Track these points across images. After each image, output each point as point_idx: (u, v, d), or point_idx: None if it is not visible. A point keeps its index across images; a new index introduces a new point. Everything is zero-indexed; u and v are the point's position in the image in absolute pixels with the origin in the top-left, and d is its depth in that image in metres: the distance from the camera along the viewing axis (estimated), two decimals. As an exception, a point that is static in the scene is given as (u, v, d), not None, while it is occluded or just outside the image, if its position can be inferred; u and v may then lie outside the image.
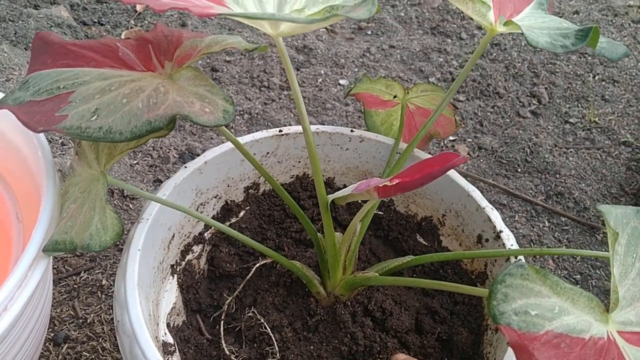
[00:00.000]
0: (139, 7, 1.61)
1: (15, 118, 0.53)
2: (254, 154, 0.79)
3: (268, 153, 0.81)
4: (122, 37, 1.50)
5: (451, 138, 1.30)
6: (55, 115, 0.52)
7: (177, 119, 0.52)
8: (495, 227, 0.72)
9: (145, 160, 1.16)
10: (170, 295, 0.72)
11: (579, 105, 1.42)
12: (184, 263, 0.76)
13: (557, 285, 0.47)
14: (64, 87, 0.54)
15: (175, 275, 0.74)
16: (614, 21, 1.73)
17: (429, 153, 1.24)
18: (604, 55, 0.62)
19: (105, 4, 1.62)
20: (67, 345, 0.85)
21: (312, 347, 0.68)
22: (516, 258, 0.68)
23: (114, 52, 0.59)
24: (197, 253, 0.78)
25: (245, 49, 0.62)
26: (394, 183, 0.51)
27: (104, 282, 0.94)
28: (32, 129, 0.52)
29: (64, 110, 0.52)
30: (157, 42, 0.61)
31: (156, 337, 0.65)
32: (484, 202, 0.75)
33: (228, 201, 0.82)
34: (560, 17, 1.73)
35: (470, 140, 1.30)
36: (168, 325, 0.69)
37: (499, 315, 0.45)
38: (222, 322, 0.71)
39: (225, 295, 0.75)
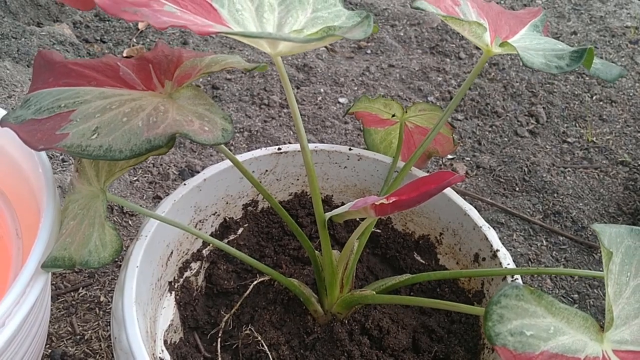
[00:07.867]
0: (140, 26, 1.63)
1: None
2: (253, 171, 0.80)
3: (267, 171, 0.82)
4: (124, 54, 1.52)
5: (450, 157, 1.31)
6: (56, 134, 0.52)
7: (177, 137, 0.53)
8: (492, 246, 0.73)
9: (145, 177, 1.16)
10: (168, 312, 0.73)
11: (577, 125, 1.43)
12: (181, 280, 0.76)
13: (552, 305, 0.48)
14: (65, 106, 0.55)
15: (173, 292, 0.74)
16: (611, 42, 1.75)
17: (428, 172, 1.25)
18: (599, 76, 0.63)
19: (107, 22, 1.64)
20: (64, 362, 0.85)
21: (309, 365, 0.68)
22: (512, 277, 0.68)
23: (114, 71, 0.60)
24: (195, 270, 0.78)
25: (245, 68, 0.62)
26: (391, 201, 0.52)
27: (102, 298, 0.94)
28: (33, 147, 0.52)
29: (65, 128, 0.53)
30: (157, 61, 0.62)
31: (153, 355, 0.65)
32: (480, 221, 0.75)
33: (226, 218, 0.82)
34: (558, 37, 1.75)
35: (469, 159, 1.31)
36: (165, 342, 0.69)
37: (495, 336, 0.45)
38: (219, 340, 0.71)
39: (222, 312, 0.75)
